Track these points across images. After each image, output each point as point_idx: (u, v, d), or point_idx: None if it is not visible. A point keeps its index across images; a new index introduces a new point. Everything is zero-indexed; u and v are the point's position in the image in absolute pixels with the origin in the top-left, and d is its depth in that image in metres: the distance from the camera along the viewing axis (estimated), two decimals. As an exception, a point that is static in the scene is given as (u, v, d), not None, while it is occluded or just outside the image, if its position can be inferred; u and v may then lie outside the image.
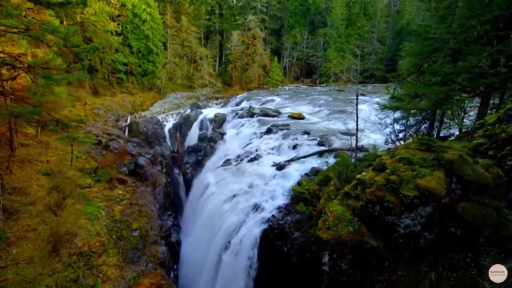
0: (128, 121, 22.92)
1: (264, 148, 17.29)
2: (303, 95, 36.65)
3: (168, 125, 28.89)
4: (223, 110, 29.83)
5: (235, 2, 54.63)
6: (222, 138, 22.34)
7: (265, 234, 11.01)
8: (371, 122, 13.99)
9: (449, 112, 11.95)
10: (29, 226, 9.95)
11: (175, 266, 14.76)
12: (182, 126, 27.54)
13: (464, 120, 12.21)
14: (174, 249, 15.30)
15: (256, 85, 49.03)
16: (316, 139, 16.70)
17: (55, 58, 12.72)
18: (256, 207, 12.34)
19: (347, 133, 15.23)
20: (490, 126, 9.00)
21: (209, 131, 24.59)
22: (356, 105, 11.78)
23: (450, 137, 12.35)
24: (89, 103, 22.95)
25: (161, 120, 27.47)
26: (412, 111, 10.17)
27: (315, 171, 13.05)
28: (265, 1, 54.78)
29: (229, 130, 23.34)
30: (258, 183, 14.01)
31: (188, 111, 32.07)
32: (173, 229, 16.74)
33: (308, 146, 16.18)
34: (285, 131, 18.87)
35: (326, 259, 8.13)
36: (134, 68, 34.17)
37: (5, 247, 8.98)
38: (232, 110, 28.58)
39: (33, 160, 12.21)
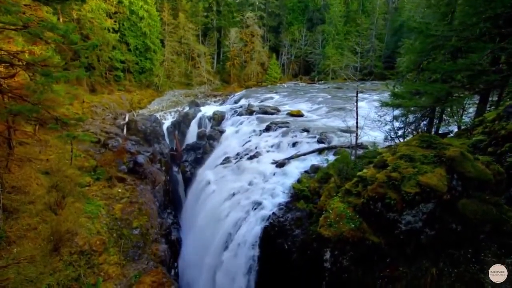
0: (126, 119, 22.79)
1: (264, 146, 17.25)
2: (302, 93, 36.59)
3: (167, 123, 28.70)
4: (221, 108, 29.67)
5: (233, -1, 54.33)
6: (221, 136, 22.23)
7: (265, 232, 11.00)
8: (371, 119, 13.99)
9: (449, 109, 12.02)
10: (29, 225, 9.89)
11: (176, 264, 14.77)
12: (181, 124, 27.42)
13: (463, 117, 12.28)
14: (175, 247, 15.31)
15: (255, 83, 48.88)
16: (315, 137, 16.68)
17: (53, 56, 12.58)
18: (257, 205, 12.34)
19: (346, 130, 15.27)
20: (490, 123, 9.05)
21: (208, 129, 24.49)
22: (356, 102, 11.80)
23: (449, 134, 12.41)
24: (86, 101, 22.80)
25: (159, 118, 27.34)
26: (412, 108, 10.20)
27: (315, 169, 13.06)
28: (263, -2, 54.67)
29: (228, 128, 23.22)
30: (258, 180, 14.00)
31: (187, 109, 31.89)
32: (173, 227, 16.72)
33: (308, 143, 16.17)
34: (284, 128, 18.80)
35: (327, 256, 8.19)
36: (131, 66, 33.96)
37: (6, 246, 8.93)
38: (230, 108, 28.46)
39: (32, 158, 12.10)
